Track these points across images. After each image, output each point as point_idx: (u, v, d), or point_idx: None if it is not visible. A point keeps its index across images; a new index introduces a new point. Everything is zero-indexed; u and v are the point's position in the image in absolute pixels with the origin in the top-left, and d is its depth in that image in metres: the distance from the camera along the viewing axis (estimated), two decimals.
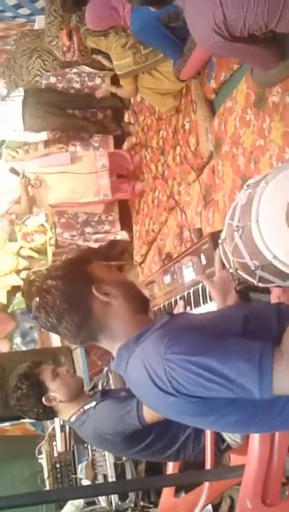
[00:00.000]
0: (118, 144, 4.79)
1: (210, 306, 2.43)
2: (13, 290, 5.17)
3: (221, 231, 2.12)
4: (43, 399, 2.33)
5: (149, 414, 2.06)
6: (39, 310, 1.41)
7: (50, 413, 2.42)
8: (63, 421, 3.05)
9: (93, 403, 2.29)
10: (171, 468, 2.45)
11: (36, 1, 4.79)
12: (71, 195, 4.35)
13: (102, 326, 1.39)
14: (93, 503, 3.37)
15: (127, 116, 4.77)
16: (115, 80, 4.31)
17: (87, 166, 4.33)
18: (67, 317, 1.38)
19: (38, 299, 1.41)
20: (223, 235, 1.73)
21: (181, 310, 2.68)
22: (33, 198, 4.30)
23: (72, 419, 2.35)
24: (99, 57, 4.37)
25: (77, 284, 1.40)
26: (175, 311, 2.75)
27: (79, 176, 4.28)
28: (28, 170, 4.29)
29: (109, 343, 1.42)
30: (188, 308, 2.66)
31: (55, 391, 2.34)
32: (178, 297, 2.85)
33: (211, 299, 2.42)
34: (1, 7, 4.95)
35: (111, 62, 3.90)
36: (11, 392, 2.40)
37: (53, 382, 2.35)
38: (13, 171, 4.18)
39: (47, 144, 4.70)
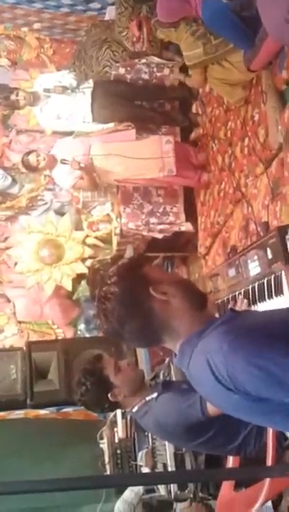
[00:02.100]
0: (185, 135, 4.77)
1: (276, 301, 2.40)
2: (79, 278, 5.25)
3: (288, 225, 2.09)
4: (109, 395, 2.36)
5: (213, 408, 2.06)
6: (100, 317, 1.44)
7: (114, 406, 2.45)
8: (125, 411, 3.10)
9: (155, 394, 2.32)
10: (231, 462, 2.45)
11: None
12: (136, 171, 4.39)
13: (165, 325, 1.41)
14: (152, 490, 3.42)
15: (194, 107, 4.73)
16: (184, 70, 4.29)
17: (152, 146, 4.35)
18: (129, 321, 1.40)
19: (97, 307, 1.44)
20: None
21: (240, 305, 2.66)
22: (97, 174, 4.39)
23: (134, 410, 2.37)
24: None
25: (135, 288, 1.42)
26: (237, 307, 2.73)
27: (144, 151, 4.30)
28: (94, 146, 4.37)
29: (173, 343, 1.42)
30: (250, 303, 2.64)
31: (120, 386, 2.36)
32: (237, 293, 2.83)
33: (277, 294, 2.39)
34: (71, 1, 5.04)
35: (181, 55, 3.88)
36: (74, 387, 2.43)
37: (117, 378, 2.37)
38: (64, 161, 4.30)
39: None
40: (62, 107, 4.72)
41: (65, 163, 4.33)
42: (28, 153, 4.60)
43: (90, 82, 4.68)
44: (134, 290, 1.42)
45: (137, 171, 4.39)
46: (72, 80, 4.78)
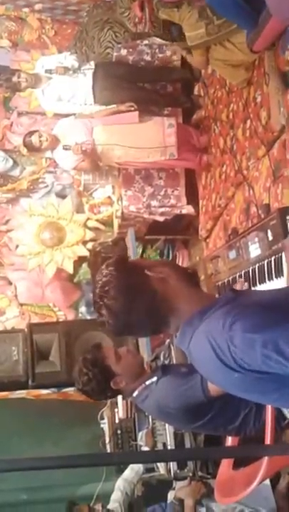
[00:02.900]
0: (187, 117, 4.75)
1: (276, 283, 2.41)
2: (80, 260, 5.27)
3: None
4: (111, 383, 2.36)
5: (214, 387, 2.08)
6: (102, 313, 1.43)
7: (116, 393, 2.47)
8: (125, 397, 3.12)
9: (154, 378, 2.33)
10: (230, 442, 2.48)
11: None
12: (137, 154, 4.37)
13: (170, 304, 1.42)
14: (152, 469, 3.47)
15: (197, 89, 4.70)
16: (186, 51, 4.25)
17: (154, 128, 4.33)
18: (134, 305, 1.41)
19: (97, 304, 1.43)
20: None
21: (240, 287, 2.67)
22: (99, 157, 4.37)
23: (134, 395, 2.38)
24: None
25: (131, 275, 1.44)
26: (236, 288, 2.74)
27: (146, 133, 4.29)
28: (96, 129, 4.35)
29: (176, 323, 1.42)
30: (250, 285, 2.65)
31: (122, 374, 2.37)
32: (237, 275, 2.84)
33: (277, 276, 2.40)
34: None
35: (183, 36, 3.84)
36: (76, 376, 2.42)
37: (118, 366, 2.37)
38: (66, 147, 4.28)
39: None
40: (64, 89, 4.69)
41: (67, 149, 4.30)
42: (31, 133, 4.56)
43: (92, 64, 4.64)
44: (131, 275, 1.44)
45: (139, 153, 4.38)
46: (74, 62, 4.74)
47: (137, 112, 4.39)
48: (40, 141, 4.46)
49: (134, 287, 1.42)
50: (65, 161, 4.54)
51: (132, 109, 4.35)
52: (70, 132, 4.40)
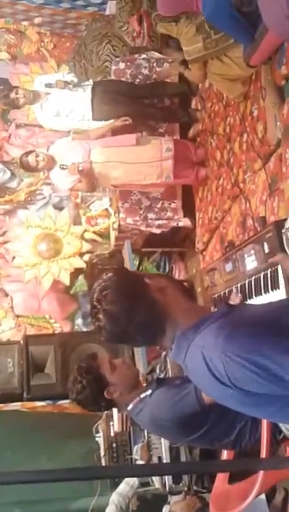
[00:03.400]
0: (184, 131, 4.77)
1: (272, 295, 2.41)
2: (76, 272, 5.27)
3: (285, 220, 2.10)
4: (105, 392, 2.36)
5: (208, 396, 2.07)
6: (99, 319, 1.42)
7: (109, 405, 2.45)
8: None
9: (149, 391, 2.32)
10: (226, 456, 2.46)
11: None
12: (134, 176, 4.38)
13: (167, 313, 1.41)
14: (147, 484, 3.44)
15: (194, 103, 4.73)
16: (184, 65, 4.27)
17: (151, 151, 4.35)
18: (135, 312, 1.40)
19: (95, 309, 1.43)
20: (287, 224, 1.72)
21: (233, 298, 2.67)
22: (96, 178, 4.38)
23: (129, 408, 2.38)
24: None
25: (131, 280, 1.46)
26: (231, 301, 2.74)
27: (144, 156, 4.30)
28: (94, 151, 4.36)
29: (171, 333, 1.42)
30: (246, 297, 2.65)
31: (116, 384, 2.37)
32: (233, 287, 2.84)
33: (273, 288, 2.40)
34: None
35: (181, 50, 3.87)
36: (70, 385, 2.42)
37: (113, 376, 2.37)
38: (63, 167, 4.27)
39: (114, 133, 4.75)
40: (62, 104, 4.71)
41: (64, 169, 4.28)
42: (27, 153, 4.50)
43: (90, 81, 4.67)
44: (131, 283, 1.45)
45: (136, 176, 4.38)
46: (73, 78, 4.77)
47: (134, 135, 4.43)
48: (36, 160, 4.40)
49: (133, 293, 1.42)
50: (61, 181, 4.50)
51: (127, 122, 4.37)
52: (67, 153, 4.38)
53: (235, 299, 2.65)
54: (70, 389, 2.41)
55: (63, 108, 4.71)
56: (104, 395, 2.36)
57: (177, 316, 1.41)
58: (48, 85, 4.74)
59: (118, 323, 1.40)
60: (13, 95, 4.89)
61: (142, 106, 4.69)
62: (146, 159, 4.31)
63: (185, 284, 1.58)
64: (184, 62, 4.02)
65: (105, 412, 3.94)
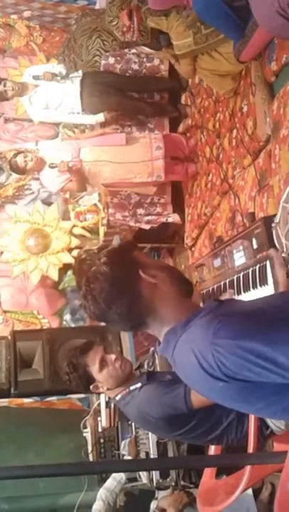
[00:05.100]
0: (174, 126, 4.77)
1: (261, 291, 2.41)
2: (65, 268, 5.25)
3: (274, 216, 2.10)
4: (91, 387, 2.39)
5: (197, 400, 2.07)
6: (87, 298, 1.42)
7: (97, 393, 2.49)
8: (109, 398, 3.12)
9: (139, 384, 2.32)
10: (213, 450, 2.47)
11: None
12: (125, 175, 4.37)
13: (151, 309, 1.41)
14: (135, 479, 3.44)
15: (184, 98, 4.73)
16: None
17: (142, 150, 4.33)
18: (117, 301, 1.39)
19: (84, 287, 1.42)
20: (277, 219, 1.72)
21: (226, 296, 2.67)
22: (86, 177, 4.35)
23: (117, 398, 2.38)
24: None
25: (125, 268, 1.42)
26: (223, 297, 2.74)
27: (134, 155, 4.29)
28: (83, 150, 4.34)
29: (157, 327, 1.42)
30: (235, 293, 2.65)
31: (102, 382, 2.38)
32: (222, 283, 2.84)
33: (262, 284, 2.40)
34: None
35: (171, 45, 3.85)
36: (59, 369, 2.46)
37: (100, 375, 2.37)
38: (52, 165, 4.22)
39: (103, 125, 4.73)
40: (51, 96, 4.67)
41: (53, 167, 4.24)
42: (16, 154, 4.44)
43: (80, 72, 4.64)
44: (123, 271, 1.42)
45: (126, 174, 4.36)
46: (62, 69, 4.74)
47: (124, 134, 4.41)
48: (25, 161, 4.34)
49: (122, 282, 1.40)
50: (51, 182, 4.44)
51: (118, 131, 4.36)
52: (56, 153, 4.34)
53: (226, 296, 2.65)
54: (62, 374, 2.47)
55: (52, 101, 4.67)
56: (90, 388, 2.40)
57: (166, 312, 1.40)
58: (36, 77, 4.70)
59: (100, 308, 1.41)
60: (1, 87, 4.83)
61: (132, 100, 4.67)
62: (136, 159, 4.29)
63: (186, 280, 1.55)
64: (175, 57, 4.02)
65: (93, 407, 3.94)
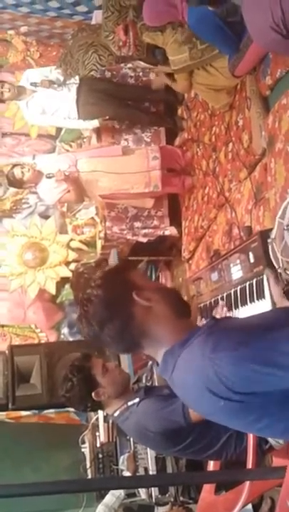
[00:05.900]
0: (170, 139, 4.79)
1: (258, 305, 2.41)
2: (63, 281, 5.25)
3: (270, 230, 2.11)
4: (93, 393, 2.37)
5: (196, 413, 2.07)
6: (81, 320, 1.43)
7: (96, 406, 2.46)
8: (107, 414, 3.10)
9: (136, 400, 2.32)
10: (212, 466, 2.45)
11: None
12: (121, 186, 4.37)
13: (144, 331, 1.40)
14: (133, 495, 3.41)
15: (180, 112, 4.76)
16: (170, 76, 4.30)
17: (138, 161, 4.35)
18: (109, 324, 1.39)
19: (79, 310, 1.43)
20: (273, 234, 1.72)
21: (220, 311, 2.68)
22: (83, 188, 4.36)
23: (115, 414, 2.38)
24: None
25: (118, 290, 1.42)
26: (215, 311, 2.75)
27: (130, 166, 4.30)
28: (80, 161, 4.35)
29: (152, 349, 1.42)
30: (231, 307, 2.65)
31: (106, 386, 2.38)
32: (219, 297, 2.85)
33: (259, 298, 2.40)
34: (59, 4, 5.05)
35: (167, 60, 3.88)
36: (60, 382, 2.45)
37: (104, 378, 2.39)
38: (49, 175, 4.24)
39: (99, 134, 4.74)
40: (48, 102, 4.70)
41: (50, 177, 4.25)
42: (12, 167, 4.47)
43: (76, 79, 4.67)
44: (116, 293, 1.41)
45: (123, 185, 4.37)
46: (59, 76, 4.77)
47: (120, 146, 4.42)
48: (22, 172, 4.35)
49: (114, 305, 1.40)
50: (49, 193, 4.45)
51: (115, 146, 4.38)
52: (53, 165, 4.35)
53: (221, 312, 2.65)
54: (61, 386, 2.47)
55: (49, 107, 4.71)
56: (92, 395, 2.38)
57: (161, 334, 1.39)
58: (33, 84, 4.74)
59: (93, 330, 1.41)
60: None
61: (128, 108, 4.69)
62: (133, 169, 4.31)
63: (182, 301, 1.54)
64: (170, 74, 4.05)
65: (91, 422, 3.92)
